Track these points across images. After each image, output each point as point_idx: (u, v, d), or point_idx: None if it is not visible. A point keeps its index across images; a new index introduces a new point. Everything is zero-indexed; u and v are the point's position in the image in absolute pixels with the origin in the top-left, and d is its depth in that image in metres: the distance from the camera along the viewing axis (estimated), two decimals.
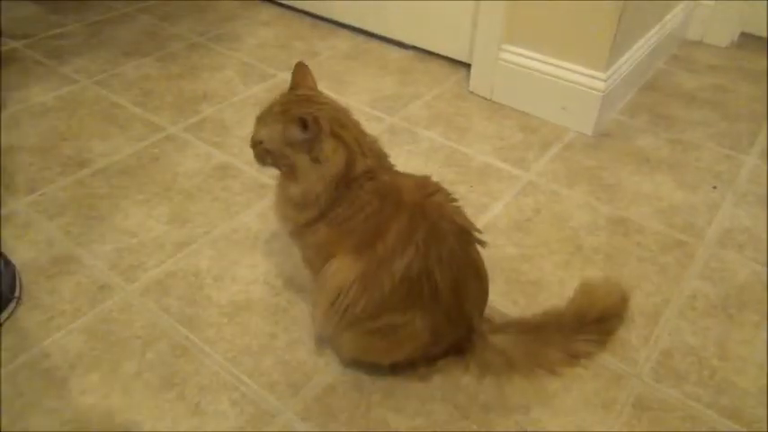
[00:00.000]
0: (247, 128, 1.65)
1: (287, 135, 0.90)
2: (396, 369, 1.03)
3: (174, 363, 1.06)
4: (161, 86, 1.81)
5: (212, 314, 1.15)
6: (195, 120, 1.67)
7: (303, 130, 0.88)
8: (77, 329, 1.11)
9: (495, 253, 1.26)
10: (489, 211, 1.40)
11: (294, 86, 0.97)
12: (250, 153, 1.62)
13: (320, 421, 0.98)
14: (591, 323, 1.06)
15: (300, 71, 0.98)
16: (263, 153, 0.95)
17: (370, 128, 0.94)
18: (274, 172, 0.99)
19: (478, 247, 1.00)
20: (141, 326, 1.12)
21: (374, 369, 1.04)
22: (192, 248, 1.28)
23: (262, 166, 0.97)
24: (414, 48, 2.02)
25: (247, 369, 1.05)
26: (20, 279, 1.18)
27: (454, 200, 0.98)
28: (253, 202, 1.40)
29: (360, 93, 1.80)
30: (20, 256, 1.24)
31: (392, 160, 1.00)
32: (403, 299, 0.92)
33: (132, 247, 1.28)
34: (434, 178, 0.99)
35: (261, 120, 0.94)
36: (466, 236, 0.97)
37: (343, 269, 0.92)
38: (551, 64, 1.64)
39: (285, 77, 1.84)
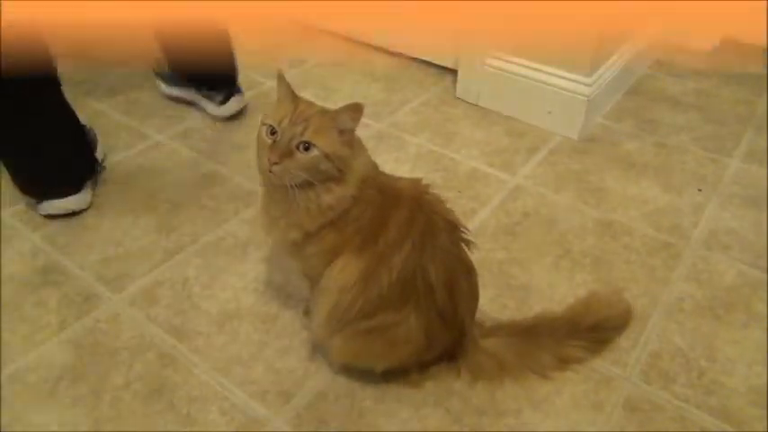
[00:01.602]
0: (232, 135, 1.66)
1: (339, 123, 0.88)
2: (388, 376, 1.02)
3: (162, 373, 1.05)
4: (146, 95, 1.80)
5: (201, 323, 1.14)
6: (181, 128, 1.66)
7: (353, 117, 0.88)
8: (64, 341, 1.10)
9: (485, 257, 1.26)
10: (478, 216, 1.40)
11: (294, 96, 0.93)
12: (237, 161, 1.60)
13: (312, 429, 0.98)
14: (584, 330, 1.06)
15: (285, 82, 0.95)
16: (317, 162, 0.86)
17: (358, 134, 0.94)
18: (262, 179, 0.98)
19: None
20: (129, 336, 1.11)
21: (366, 376, 1.03)
22: (179, 257, 1.27)
23: (290, 183, 0.87)
24: (400, 54, 2.03)
25: (237, 378, 1.05)
26: None
27: (444, 201, 0.99)
28: (240, 210, 1.40)
29: (346, 99, 1.76)
30: (4, 267, 1.23)
31: (380, 166, 1.00)
32: (399, 295, 0.92)
33: (119, 257, 1.27)
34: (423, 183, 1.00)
35: (300, 133, 0.86)
36: (456, 233, 0.98)
37: (347, 268, 0.92)
38: (537, 69, 1.65)
39: (272, 85, 1.85)
